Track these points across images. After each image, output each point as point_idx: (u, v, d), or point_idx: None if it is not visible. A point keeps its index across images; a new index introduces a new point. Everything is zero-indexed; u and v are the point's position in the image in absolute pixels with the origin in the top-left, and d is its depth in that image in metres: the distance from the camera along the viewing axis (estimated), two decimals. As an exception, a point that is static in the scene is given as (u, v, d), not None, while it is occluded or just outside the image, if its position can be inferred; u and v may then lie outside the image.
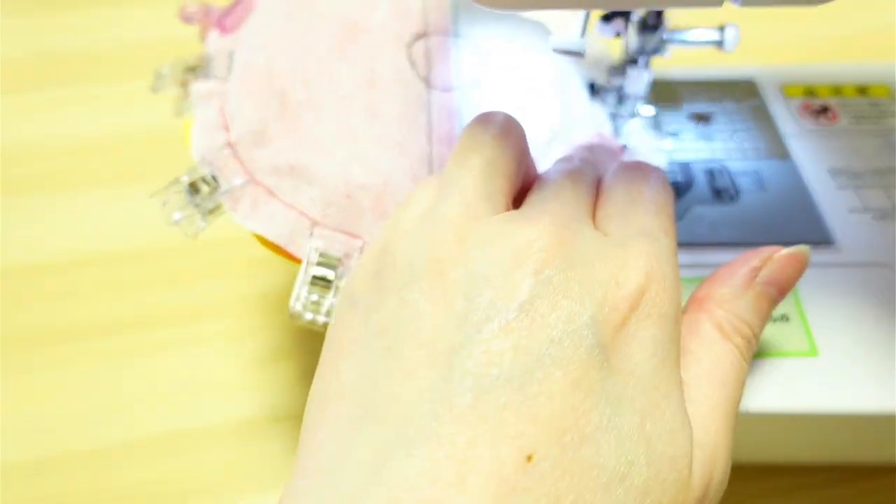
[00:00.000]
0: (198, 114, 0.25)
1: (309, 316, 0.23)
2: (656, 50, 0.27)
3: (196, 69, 0.26)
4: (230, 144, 0.24)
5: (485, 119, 0.21)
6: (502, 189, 0.20)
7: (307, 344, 0.33)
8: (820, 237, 0.26)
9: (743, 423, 0.24)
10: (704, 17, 0.28)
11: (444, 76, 0.25)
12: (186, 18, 0.28)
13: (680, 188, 0.28)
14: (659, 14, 0.26)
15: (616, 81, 0.28)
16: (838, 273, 0.25)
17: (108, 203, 0.39)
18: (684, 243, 0.26)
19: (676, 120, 0.30)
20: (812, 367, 0.22)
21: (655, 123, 0.30)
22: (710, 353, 0.19)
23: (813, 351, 0.23)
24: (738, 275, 0.20)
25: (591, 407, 0.15)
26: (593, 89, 0.29)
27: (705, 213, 0.27)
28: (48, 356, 0.33)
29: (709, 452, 0.17)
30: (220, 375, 0.32)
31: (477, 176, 0.19)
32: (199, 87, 0.25)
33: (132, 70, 0.47)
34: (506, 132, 0.20)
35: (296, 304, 0.23)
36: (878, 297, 0.24)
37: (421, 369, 0.16)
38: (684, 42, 0.27)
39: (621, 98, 0.28)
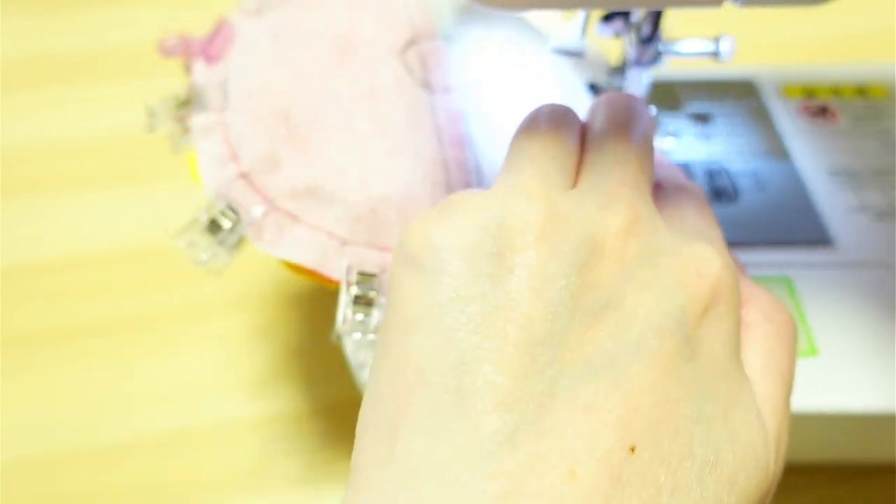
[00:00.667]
0: (202, 148, 0.24)
1: (357, 335, 0.22)
2: (652, 61, 0.27)
3: (189, 103, 0.25)
4: (243, 174, 0.24)
5: (533, 117, 0.20)
6: (571, 160, 0.19)
7: (307, 343, 0.33)
8: (819, 237, 0.26)
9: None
10: (704, 18, 0.28)
11: (442, 79, 0.25)
12: (166, 52, 0.27)
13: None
14: (655, 24, 0.26)
15: (616, 82, 0.28)
16: (837, 273, 0.25)
17: (108, 203, 0.39)
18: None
19: (676, 120, 0.30)
20: (812, 367, 0.22)
21: (655, 124, 0.30)
22: (764, 344, 0.19)
23: (812, 351, 0.23)
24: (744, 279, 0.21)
25: (683, 397, 0.15)
26: (593, 89, 0.29)
27: (705, 214, 0.27)
28: (48, 356, 0.33)
29: (774, 442, 0.18)
30: (220, 375, 0.32)
31: (544, 151, 0.19)
32: (197, 120, 0.25)
33: (132, 70, 0.47)
34: (557, 124, 0.20)
35: (343, 326, 0.22)
36: (877, 296, 0.24)
37: (517, 356, 0.15)
38: (680, 53, 0.27)
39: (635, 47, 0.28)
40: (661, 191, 0.21)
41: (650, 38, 0.26)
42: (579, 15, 0.24)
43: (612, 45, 0.28)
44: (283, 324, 0.34)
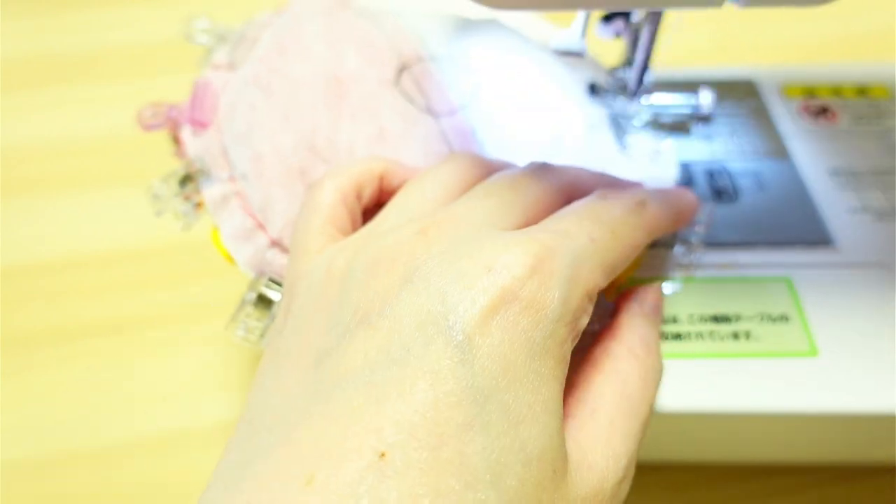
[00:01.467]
0: (224, 222, 0.24)
1: (241, 333, 0.23)
2: (637, 114, 0.28)
3: (192, 178, 0.25)
4: (275, 242, 0.23)
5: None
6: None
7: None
8: (819, 237, 0.26)
9: (743, 424, 0.25)
10: (705, 18, 0.28)
11: (444, 100, 0.25)
12: (148, 127, 0.26)
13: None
14: (640, 82, 0.27)
15: (616, 81, 0.28)
16: (838, 273, 0.25)
17: (108, 203, 0.39)
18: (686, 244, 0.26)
19: (677, 120, 0.30)
20: (812, 368, 0.22)
21: (655, 123, 0.30)
22: (615, 369, 0.19)
23: (813, 351, 0.23)
24: (646, 305, 0.21)
25: (453, 404, 0.15)
26: (593, 90, 0.29)
27: (705, 213, 0.27)
28: (48, 356, 0.33)
29: (600, 456, 0.17)
30: (220, 375, 0.32)
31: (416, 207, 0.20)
32: (210, 193, 0.24)
33: (132, 70, 0.47)
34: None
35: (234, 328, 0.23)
36: (877, 297, 0.24)
37: (292, 378, 0.17)
38: (664, 109, 0.28)
39: (621, 97, 0.28)
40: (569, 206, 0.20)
41: (635, 92, 0.27)
42: (579, 15, 0.24)
43: (612, 45, 0.28)
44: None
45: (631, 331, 0.20)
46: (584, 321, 0.18)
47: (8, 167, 0.41)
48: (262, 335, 0.23)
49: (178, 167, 0.25)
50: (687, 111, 0.29)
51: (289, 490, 0.14)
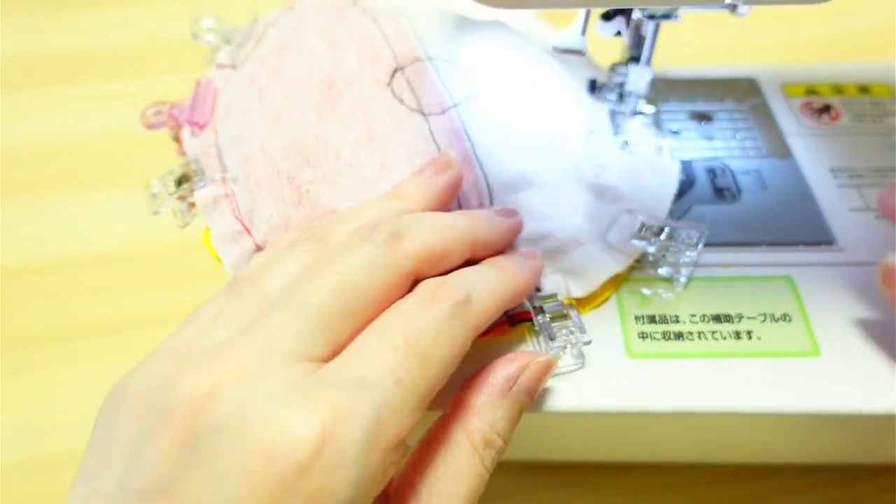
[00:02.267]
0: (213, 224, 0.24)
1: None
2: (632, 114, 0.28)
3: (188, 178, 0.25)
4: (259, 247, 0.24)
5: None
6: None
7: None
8: (821, 236, 0.26)
9: (746, 424, 0.24)
10: (707, 17, 0.28)
11: (435, 100, 0.25)
12: (151, 126, 0.26)
13: (681, 187, 0.28)
14: (651, 46, 0.26)
15: (617, 79, 0.28)
16: (840, 272, 0.25)
17: (108, 203, 0.39)
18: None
19: (677, 118, 0.30)
20: (814, 367, 0.22)
21: (656, 122, 0.29)
22: (454, 465, 0.18)
23: (815, 351, 0.23)
24: (496, 384, 0.19)
25: None
26: (594, 87, 0.29)
27: (706, 213, 0.27)
28: (48, 356, 0.33)
29: None
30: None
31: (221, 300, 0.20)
32: (202, 194, 0.24)
33: (132, 70, 0.47)
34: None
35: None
36: (879, 296, 0.24)
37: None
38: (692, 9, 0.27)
39: (622, 95, 0.28)
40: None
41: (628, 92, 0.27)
42: (580, 13, 0.24)
43: (612, 43, 0.28)
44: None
45: (479, 415, 0.19)
46: (393, 470, 0.17)
47: (8, 167, 0.41)
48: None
49: (175, 166, 0.25)
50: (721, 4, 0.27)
51: None
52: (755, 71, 0.33)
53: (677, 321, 0.23)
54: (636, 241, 0.24)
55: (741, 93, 0.32)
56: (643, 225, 0.24)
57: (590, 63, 0.29)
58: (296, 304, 0.17)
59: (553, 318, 0.22)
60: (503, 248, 0.22)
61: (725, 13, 0.22)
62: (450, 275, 0.20)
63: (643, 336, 0.23)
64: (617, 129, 0.28)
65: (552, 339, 0.22)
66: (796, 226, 0.26)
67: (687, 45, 0.38)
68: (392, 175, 0.23)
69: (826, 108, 0.31)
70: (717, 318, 0.23)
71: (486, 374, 0.20)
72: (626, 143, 0.28)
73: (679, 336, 0.23)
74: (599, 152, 0.26)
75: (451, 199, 0.23)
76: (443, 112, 0.25)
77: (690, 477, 0.29)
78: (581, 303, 0.24)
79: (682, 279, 0.24)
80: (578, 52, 0.23)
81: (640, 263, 0.25)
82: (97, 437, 0.18)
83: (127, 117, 0.44)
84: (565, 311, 0.22)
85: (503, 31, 0.28)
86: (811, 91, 0.32)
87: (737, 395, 0.22)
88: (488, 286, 0.20)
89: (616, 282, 0.24)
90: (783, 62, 0.35)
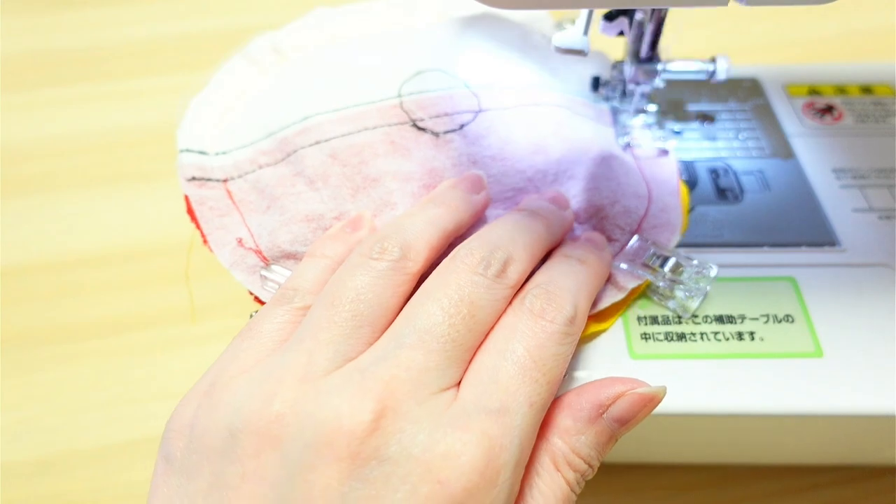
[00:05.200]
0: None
1: None
2: (649, 80, 0.27)
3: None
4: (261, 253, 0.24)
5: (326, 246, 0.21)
6: (371, 324, 0.18)
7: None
8: (824, 237, 0.26)
9: (748, 425, 0.24)
10: (709, 17, 0.27)
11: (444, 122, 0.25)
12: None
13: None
14: (653, 46, 0.26)
15: (620, 77, 0.28)
16: (843, 273, 0.25)
17: (108, 203, 0.39)
18: (687, 244, 0.25)
19: (680, 118, 0.30)
20: (816, 368, 0.22)
21: (658, 121, 0.29)
22: (538, 483, 0.18)
23: (818, 352, 0.22)
24: (585, 409, 0.19)
25: None
26: (597, 84, 0.29)
27: (709, 213, 0.27)
28: (48, 356, 0.33)
29: None
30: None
31: (342, 319, 0.18)
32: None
33: (132, 69, 0.47)
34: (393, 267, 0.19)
35: None
36: (883, 297, 0.24)
37: None
38: (677, 73, 0.27)
39: (625, 93, 0.28)
40: (498, 327, 0.19)
41: (649, 58, 0.26)
42: (582, 14, 0.24)
43: (615, 42, 0.28)
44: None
45: (561, 437, 0.19)
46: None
47: (8, 167, 0.41)
48: None
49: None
50: (702, 77, 0.28)
51: None
52: (758, 71, 0.33)
53: (680, 322, 0.23)
54: (642, 271, 0.24)
55: (744, 93, 0.32)
56: (653, 253, 0.24)
57: (597, 58, 0.29)
58: (437, 335, 0.18)
59: (673, 271, 0.23)
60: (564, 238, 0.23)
61: (727, 12, 0.22)
62: (546, 281, 0.20)
63: (646, 337, 0.23)
64: (619, 127, 0.28)
65: (682, 285, 0.22)
66: (799, 226, 0.26)
67: (689, 45, 0.38)
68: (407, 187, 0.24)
69: (829, 109, 0.31)
70: (719, 319, 0.23)
71: (576, 394, 0.19)
72: (627, 144, 0.28)
73: (682, 337, 0.23)
74: (601, 151, 0.26)
75: (480, 219, 0.23)
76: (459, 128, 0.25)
77: (691, 477, 0.29)
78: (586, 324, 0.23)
79: (686, 316, 0.23)
80: (581, 53, 0.23)
81: (651, 289, 0.24)
82: (179, 479, 0.17)
83: (127, 116, 0.44)
84: (678, 259, 0.22)
85: (504, 28, 0.28)
86: (814, 91, 0.32)
87: (739, 396, 0.22)
88: (585, 291, 0.21)
89: (620, 308, 0.24)
90: (786, 62, 0.35)
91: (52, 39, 0.49)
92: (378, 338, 0.18)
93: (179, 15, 0.50)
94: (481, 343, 0.19)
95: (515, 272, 0.20)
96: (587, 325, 0.23)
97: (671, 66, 0.27)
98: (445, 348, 0.18)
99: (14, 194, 0.40)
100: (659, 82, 0.27)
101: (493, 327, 0.19)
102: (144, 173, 0.40)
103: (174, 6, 0.50)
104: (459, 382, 0.18)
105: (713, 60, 0.27)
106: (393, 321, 0.19)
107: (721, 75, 0.27)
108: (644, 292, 0.24)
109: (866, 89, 0.32)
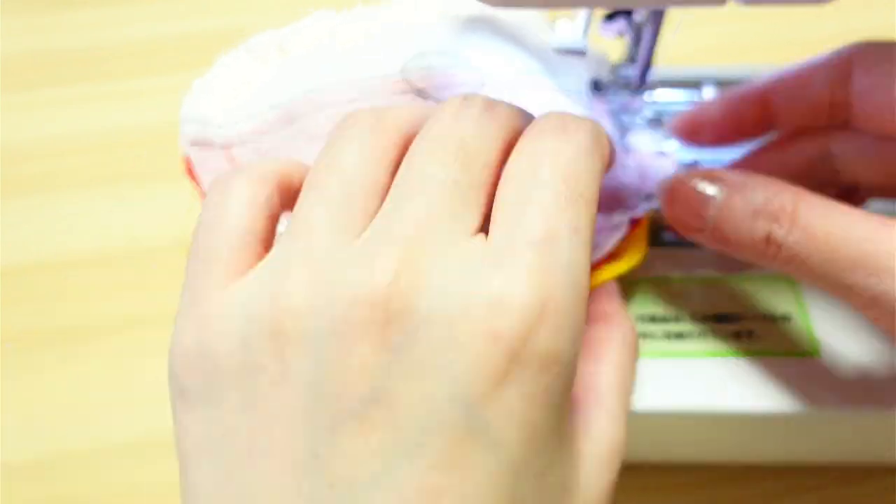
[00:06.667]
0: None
1: None
2: (637, 112, 0.28)
3: None
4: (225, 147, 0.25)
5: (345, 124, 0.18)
6: (367, 194, 0.16)
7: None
8: (822, 237, 0.26)
9: (745, 424, 0.24)
10: (707, 17, 0.28)
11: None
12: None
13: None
14: (643, 78, 0.27)
15: (619, 79, 0.28)
16: (841, 273, 0.25)
17: (108, 203, 0.39)
18: (687, 243, 0.25)
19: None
20: (814, 367, 0.22)
21: (657, 122, 0.29)
22: (618, 360, 0.18)
23: (815, 351, 0.23)
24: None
25: (484, 493, 0.13)
26: (596, 86, 0.29)
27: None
28: (48, 356, 0.33)
29: (616, 451, 0.17)
30: (221, 375, 0.32)
31: (335, 193, 0.16)
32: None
33: (132, 69, 0.47)
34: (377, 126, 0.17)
35: None
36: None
37: (276, 486, 0.14)
38: (665, 104, 0.28)
39: (623, 95, 0.28)
40: (511, 162, 0.17)
41: (639, 88, 0.27)
42: (581, 14, 0.24)
43: (613, 44, 0.28)
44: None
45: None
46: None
47: (8, 167, 0.41)
48: None
49: None
50: (689, 108, 0.29)
51: None
52: (756, 71, 0.33)
53: (678, 321, 0.23)
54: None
55: (742, 93, 0.32)
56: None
57: (597, 59, 0.29)
58: (436, 181, 0.16)
59: None
60: None
61: (726, 12, 0.22)
62: (562, 113, 0.18)
63: (644, 336, 0.23)
64: (618, 128, 0.28)
65: None
66: (797, 226, 0.26)
67: (687, 45, 0.38)
68: None
69: (827, 109, 0.31)
70: (717, 318, 0.23)
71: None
72: (627, 143, 0.28)
73: (680, 336, 0.23)
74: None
75: None
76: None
77: (690, 477, 0.29)
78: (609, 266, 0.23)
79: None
80: (580, 53, 0.23)
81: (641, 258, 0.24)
82: (205, 410, 0.15)
83: (127, 116, 0.44)
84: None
85: (503, 28, 0.28)
86: (812, 91, 0.32)
87: (737, 395, 0.22)
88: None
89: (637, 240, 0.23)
90: (784, 62, 0.35)
91: (52, 39, 0.49)
92: (376, 209, 0.16)
93: (179, 15, 0.50)
94: (494, 185, 0.16)
95: (503, 110, 0.17)
96: (604, 269, 0.22)
97: (658, 97, 0.28)
98: (448, 190, 0.15)
99: (14, 194, 0.40)
100: (648, 112, 0.28)
101: (499, 168, 0.17)
102: (144, 173, 0.40)
103: (174, 6, 0.50)
104: (484, 231, 0.16)
105: (699, 88, 0.28)
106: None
107: None
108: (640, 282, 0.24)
109: (864, 89, 0.32)
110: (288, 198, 0.18)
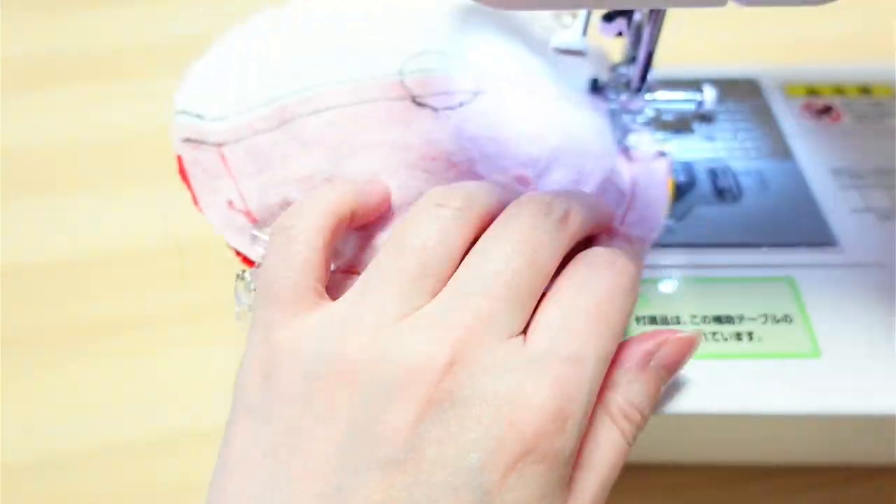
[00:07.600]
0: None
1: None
2: (638, 112, 0.28)
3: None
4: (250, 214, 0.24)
5: (435, 200, 0.20)
6: (437, 273, 0.19)
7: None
8: (822, 237, 0.26)
9: (746, 425, 0.24)
10: (707, 17, 0.28)
11: (443, 99, 0.25)
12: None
13: (682, 188, 0.28)
14: (644, 78, 0.27)
15: (618, 78, 0.28)
16: (841, 274, 0.25)
17: (108, 203, 0.39)
18: (686, 244, 0.25)
19: (678, 119, 0.30)
20: (814, 368, 0.22)
21: (657, 122, 0.29)
22: (597, 436, 0.19)
23: (815, 352, 0.23)
24: (633, 359, 0.20)
25: None
26: (595, 85, 0.29)
27: (707, 213, 0.27)
28: (48, 356, 0.33)
29: None
30: (221, 375, 0.32)
31: (411, 267, 0.18)
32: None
33: (132, 70, 0.47)
34: (464, 207, 0.20)
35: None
36: (880, 297, 0.24)
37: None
38: (666, 104, 0.28)
39: (623, 95, 0.28)
40: (562, 282, 0.19)
41: (639, 88, 0.27)
42: (581, 14, 0.24)
43: (613, 44, 0.28)
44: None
45: (616, 390, 0.19)
46: None
47: (8, 167, 0.41)
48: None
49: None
50: (690, 107, 0.29)
51: None
52: (756, 71, 0.33)
53: (678, 322, 0.23)
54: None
55: (742, 93, 0.32)
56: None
57: (596, 58, 0.29)
58: (502, 282, 0.18)
59: None
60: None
61: (726, 13, 0.22)
62: (614, 250, 0.21)
63: (644, 337, 0.23)
64: (617, 128, 0.28)
65: None
66: (797, 227, 0.26)
67: (687, 45, 0.38)
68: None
69: (827, 109, 0.31)
70: (717, 320, 0.23)
71: (622, 350, 0.20)
72: (625, 145, 0.28)
73: (680, 337, 0.23)
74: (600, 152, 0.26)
75: None
76: (450, 109, 0.25)
77: (690, 477, 0.29)
78: None
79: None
80: (579, 53, 0.23)
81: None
82: (256, 425, 0.18)
83: (127, 117, 0.44)
84: None
85: (503, 27, 0.28)
86: (812, 92, 0.32)
87: (737, 396, 0.22)
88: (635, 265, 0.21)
89: None
90: (784, 63, 0.35)
91: (52, 40, 0.49)
92: (443, 285, 0.19)
93: (179, 15, 0.50)
94: (545, 291, 0.19)
95: (576, 221, 0.20)
96: None
97: (659, 97, 0.28)
98: (510, 294, 0.18)
99: (14, 194, 0.40)
100: (649, 111, 0.28)
101: (553, 275, 0.19)
102: (144, 173, 0.40)
103: (174, 7, 0.50)
104: (525, 330, 0.18)
105: (699, 89, 0.28)
106: (457, 269, 0.19)
107: (709, 105, 0.28)
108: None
109: (865, 90, 0.32)
110: (345, 229, 0.21)
